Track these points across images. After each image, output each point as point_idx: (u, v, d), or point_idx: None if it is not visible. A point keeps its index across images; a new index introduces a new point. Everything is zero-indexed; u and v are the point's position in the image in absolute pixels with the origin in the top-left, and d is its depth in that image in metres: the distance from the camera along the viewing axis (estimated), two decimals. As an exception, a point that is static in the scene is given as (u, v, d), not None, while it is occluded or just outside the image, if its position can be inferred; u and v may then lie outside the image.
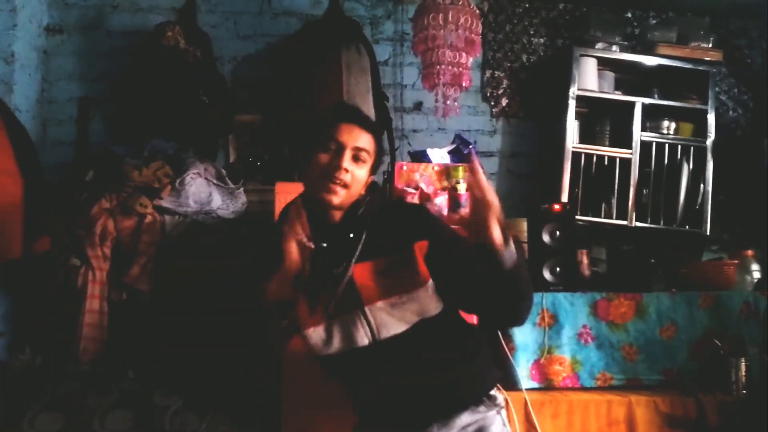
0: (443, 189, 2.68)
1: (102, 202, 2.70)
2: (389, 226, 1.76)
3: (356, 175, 1.73)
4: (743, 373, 2.61)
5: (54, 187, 2.92)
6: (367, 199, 1.80)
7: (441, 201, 2.66)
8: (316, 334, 1.73)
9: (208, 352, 2.57)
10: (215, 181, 2.88)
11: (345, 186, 1.70)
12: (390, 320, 1.71)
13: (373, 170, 1.81)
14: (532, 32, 3.74)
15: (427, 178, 2.68)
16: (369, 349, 1.71)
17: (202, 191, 2.80)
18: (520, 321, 1.74)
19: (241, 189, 2.98)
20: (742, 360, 2.63)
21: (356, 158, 1.73)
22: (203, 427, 2.38)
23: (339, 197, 1.71)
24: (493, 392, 1.82)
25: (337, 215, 1.75)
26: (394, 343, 1.71)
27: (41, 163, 2.92)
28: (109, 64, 3.37)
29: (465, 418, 1.75)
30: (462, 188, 2.63)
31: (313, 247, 1.63)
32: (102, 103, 3.36)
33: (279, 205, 2.53)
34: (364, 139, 1.74)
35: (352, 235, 1.73)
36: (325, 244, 1.70)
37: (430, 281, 1.73)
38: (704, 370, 2.69)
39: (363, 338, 1.71)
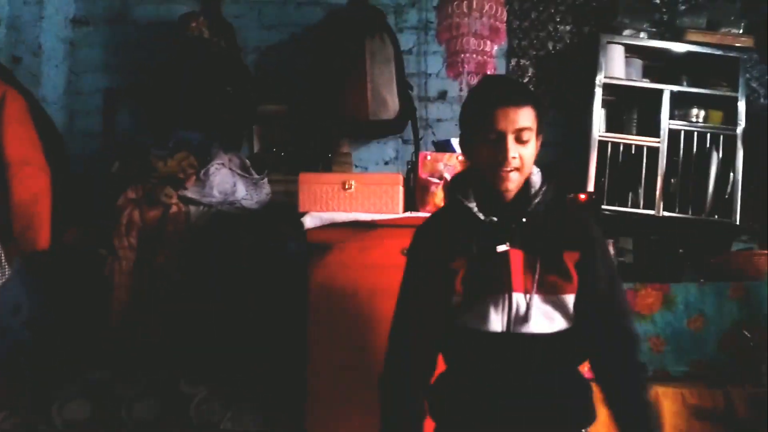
0: (467, 179, 2.65)
1: (128, 193, 2.73)
2: (552, 223, 1.71)
3: (525, 155, 1.68)
4: (773, 365, 2.57)
5: (81, 178, 2.95)
6: (543, 189, 1.75)
7: (465, 191, 2.64)
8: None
9: (234, 343, 2.59)
10: (239, 172, 2.89)
11: (517, 169, 1.67)
12: (537, 315, 1.64)
13: (539, 132, 1.75)
14: (558, 19, 3.68)
15: (452, 167, 2.65)
16: (499, 338, 1.64)
17: (226, 181, 2.81)
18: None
19: (266, 179, 2.98)
20: (773, 351, 2.59)
21: (519, 139, 1.66)
22: (228, 416, 2.40)
23: (513, 182, 1.68)
24: None
25: (511, 194, 1.70)
26: (530, 343, 1.64)
27: (68, 154, 2.95)
28: (134, 54, 3.39)
29: None
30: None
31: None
32: (128, 94, 3.38)
33: (303, 196, 2.54)
34: (523, 117, 1.67)
35: (525, 220, 1.69)
36: (495, 218, 1.68)
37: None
38: (733, 362, 2.65)
39: (497, 324, 1.63)
